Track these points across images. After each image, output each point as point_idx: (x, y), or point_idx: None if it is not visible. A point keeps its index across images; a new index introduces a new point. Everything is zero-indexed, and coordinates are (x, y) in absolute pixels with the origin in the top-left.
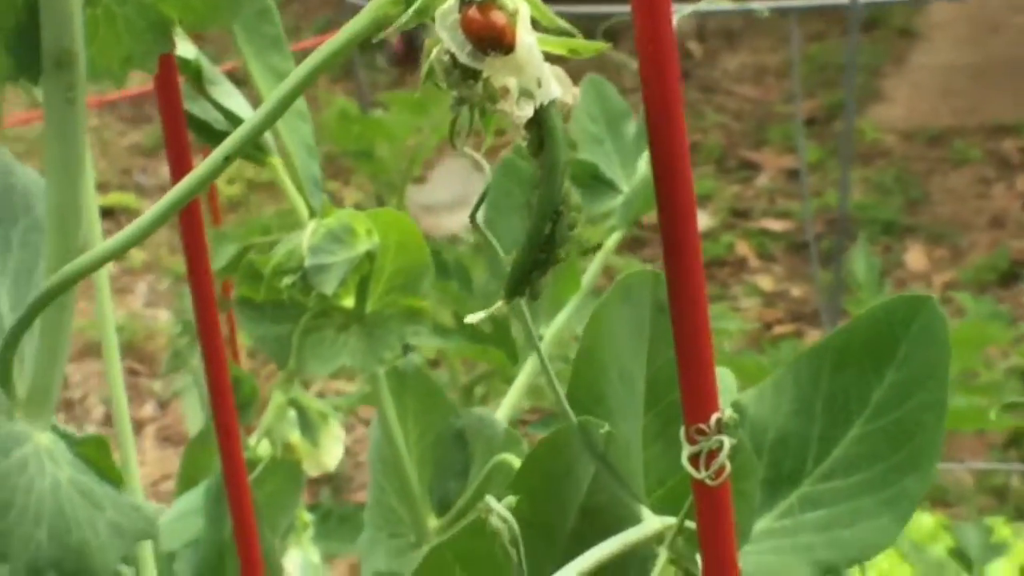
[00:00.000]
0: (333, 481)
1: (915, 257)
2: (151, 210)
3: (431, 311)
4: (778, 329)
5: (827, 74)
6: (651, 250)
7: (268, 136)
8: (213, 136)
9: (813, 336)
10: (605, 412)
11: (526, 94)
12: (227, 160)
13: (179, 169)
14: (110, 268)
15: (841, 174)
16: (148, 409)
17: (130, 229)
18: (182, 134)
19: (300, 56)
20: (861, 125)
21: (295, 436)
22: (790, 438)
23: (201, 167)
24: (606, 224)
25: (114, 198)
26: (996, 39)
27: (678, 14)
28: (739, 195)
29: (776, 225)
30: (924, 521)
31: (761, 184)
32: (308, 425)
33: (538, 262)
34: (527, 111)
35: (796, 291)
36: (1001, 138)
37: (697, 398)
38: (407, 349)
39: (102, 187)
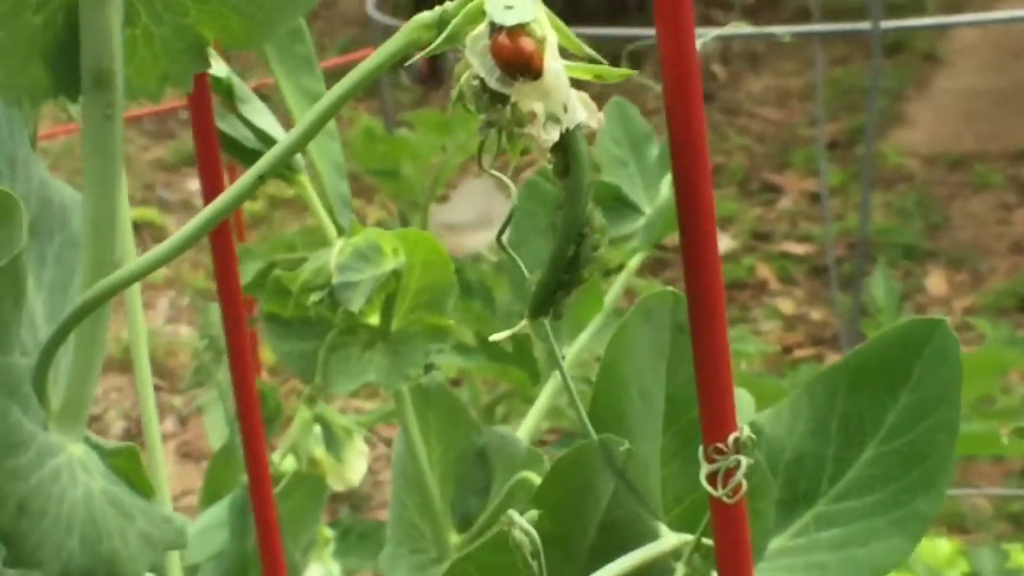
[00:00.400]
0: (352, 499)
1: (935, 282)
2: (185, 227)
3: (455, 329)
4: (798, 353)
5: (850, 98)
6: (672, 271)
7: (297, 154)
8: (243, 154)
9: (833, 360)
10: (625, 430)
11: (552, 118)
12: (261, 179)
13: (211, 185)
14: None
15: (862, 198)
16: (168, 425)
17: (164, 246)
18: (214, 151)
19: (324, 75)
20: (883, 149)
21: (320, 451)
22: (805, 458)
23: (235, 185)
24: (628, 245)
25: (137, 213)
26: (1019, 65)
27: (703, 38)
28: (761, 218)
29: (798, 248)
30: (941, 547)
31: (783, 207)
32: (333, 440)
33: (562, 283)
34: (553, 135)
35: (816, 315)
36: (1023, 164)
37: (716, 417)
38: (429, 368)
39: None
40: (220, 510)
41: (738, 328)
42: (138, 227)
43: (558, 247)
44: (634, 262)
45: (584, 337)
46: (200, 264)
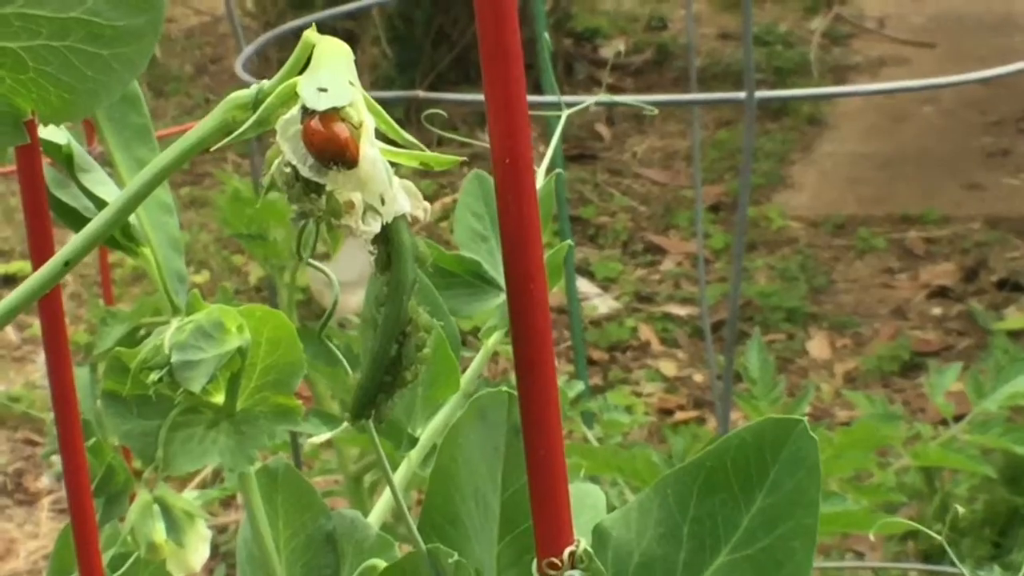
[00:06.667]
0: (228, 559)
1: (818, 345)
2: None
3: (302, 408)
4: (680, 415)
5: (735, 160)
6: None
7: (140, 225)
8: (82, 224)
9: (715, 423)
10: (461, 534)
11: (373, 208)
12: (67, 265)
13: (40, 255)
14: (12, 338)
15: (733, 266)
16: (45, 480)
17: None
18: (46, 224)
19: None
20: (767, 212)
21: (160, 536)
22: (655, 564)
23: (41, 271)
24: (487, 324)
25: (17, 266)
26: (903, 129)
27: (584, 103)
28: (644, 279)
29: (680, 310)
30: None
31: (666, 268)
32: (174, 524)
33: (384, 384)
34: (373, 227)
35: (699, 377)
36: (906, 228)
37: (549, 530)
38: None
39: (6, 254)
40: None
41: (619, 390)
42: (18, 279)
43: (379, 346)
44: (492, 341)
45: (440, 418)
46: (81, 319)
